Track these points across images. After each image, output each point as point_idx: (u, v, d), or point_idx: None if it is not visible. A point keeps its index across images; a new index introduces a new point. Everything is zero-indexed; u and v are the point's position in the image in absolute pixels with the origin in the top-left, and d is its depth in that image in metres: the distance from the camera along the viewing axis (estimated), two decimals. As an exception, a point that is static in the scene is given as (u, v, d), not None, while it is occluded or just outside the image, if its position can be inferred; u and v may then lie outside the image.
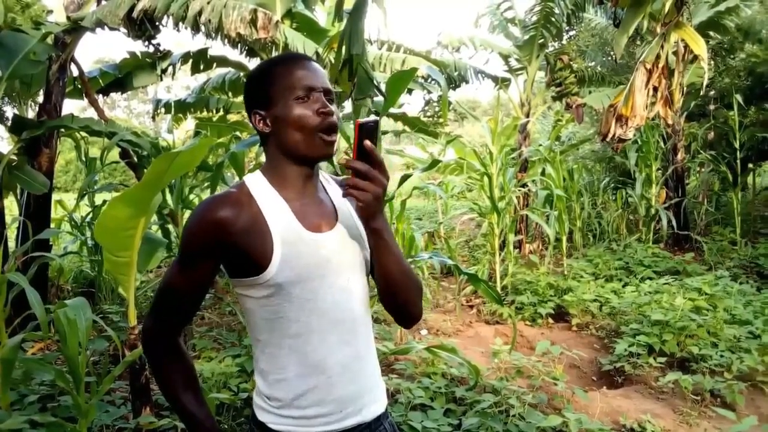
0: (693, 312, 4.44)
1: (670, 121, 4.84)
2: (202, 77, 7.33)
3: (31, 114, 5.83)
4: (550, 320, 5.35)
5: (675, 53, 4.85)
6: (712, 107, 8.89)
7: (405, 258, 1.20)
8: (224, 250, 1.13)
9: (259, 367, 1.22)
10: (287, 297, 1.14)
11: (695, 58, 4.70)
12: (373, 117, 1.08)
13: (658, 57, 4.59)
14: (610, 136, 4.70)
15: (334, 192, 1.28)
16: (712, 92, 9.04)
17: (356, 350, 1.21)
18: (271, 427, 1.19)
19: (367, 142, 1.05)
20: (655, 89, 4.61)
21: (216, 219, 1.12)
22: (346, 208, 1.26)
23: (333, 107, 1.18)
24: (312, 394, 1.17)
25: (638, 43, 8.86)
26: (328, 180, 1.32)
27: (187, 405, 1.20)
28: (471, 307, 5.95)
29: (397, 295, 1.22)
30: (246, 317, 1.23)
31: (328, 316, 1.17)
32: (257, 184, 1.19)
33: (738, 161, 8.11)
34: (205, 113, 7.27)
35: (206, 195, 5.88)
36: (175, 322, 1.22)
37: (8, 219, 4.65)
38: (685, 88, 7.79)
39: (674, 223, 7.96)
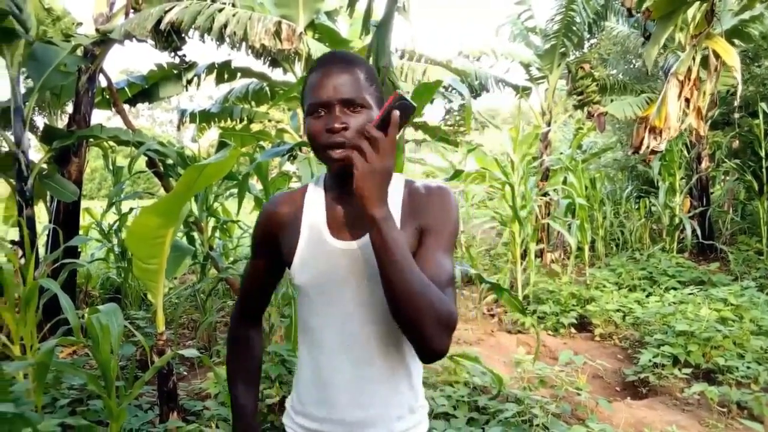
0: (719, 323, 4.38)
1: (702, 132, 4.76)
2: (225, 87, 7.47)
3: (60, 124, 5.97)
4: (573, 330, 5.31)
5: (707, 62, 4.80)
6: (736, 116, 8.77)
7: (417, 272, 0.95)
8: (272, 241, 1.20)
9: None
10: (308, 301, 1.14)
11: (722, 65, 4.65)
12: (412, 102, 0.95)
13: (689, 68, 4.55)
14: (643, 148, 4.65)
15: (391, 200, 1.10)
16: (736, 101, 8.94)
17: (370, 374, 1.09)
18: (286, 429, 1.20)
19: (396, 113, 0.92)
20: (687, 100, 4.56)
21: (267, 212, 1.21)
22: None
23: (351, 118, 1.05)
24: (319, 408, 1.13)
25: (661, 52, 8.80)
26: (398, 187, 1.15)
27: (236, 395, 1.26)
28: (492, 316, 5.93)
29: (400, 316, 0.96)
30: None
31: (342, 331, 1.10)
32: (315, 185, 1.21)
33: (763, 170, 7.97)
34: (228, 123, 7.39)
35: (231, 204, 5.97)
36: (246, 307, 1.31)
37: (38, 227, 4.76)
38: (714, 97, 7.71)
39: (699, 232, 7.86)
